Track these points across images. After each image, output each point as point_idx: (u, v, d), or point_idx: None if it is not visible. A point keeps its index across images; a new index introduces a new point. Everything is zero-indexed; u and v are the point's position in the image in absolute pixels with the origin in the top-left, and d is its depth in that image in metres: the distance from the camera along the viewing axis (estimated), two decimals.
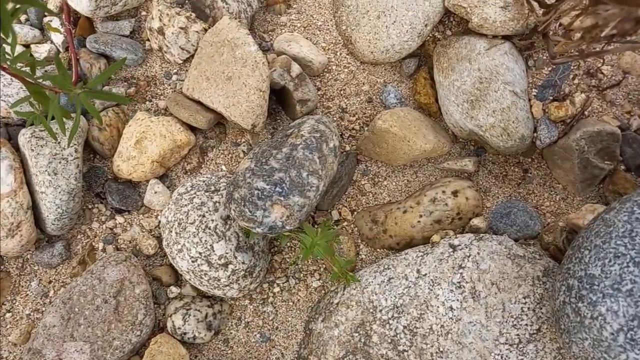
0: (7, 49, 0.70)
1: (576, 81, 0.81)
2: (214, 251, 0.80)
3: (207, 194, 0.84)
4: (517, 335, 0.70)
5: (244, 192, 0.76)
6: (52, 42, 0.94)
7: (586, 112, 0.80)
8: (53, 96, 0.70)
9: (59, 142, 0.83)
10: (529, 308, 0.71)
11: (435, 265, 0.77)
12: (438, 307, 0.74)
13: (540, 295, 0.72)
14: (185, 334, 0.82)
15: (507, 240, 0.77)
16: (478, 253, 0.75)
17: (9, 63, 0.68)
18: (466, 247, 0.77)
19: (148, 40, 0.95)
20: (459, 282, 0.74)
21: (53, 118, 0.87)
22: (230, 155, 0.93)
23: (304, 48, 0.93)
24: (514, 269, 0.74)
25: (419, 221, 0.84)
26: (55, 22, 0.93)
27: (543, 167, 0.87)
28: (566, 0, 0.68)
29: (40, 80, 0.72)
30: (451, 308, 0.74)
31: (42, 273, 0.87)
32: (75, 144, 0.84)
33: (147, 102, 0.93)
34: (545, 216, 0.84)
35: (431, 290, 0.75)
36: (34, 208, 0.84)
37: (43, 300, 0.86)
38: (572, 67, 0.81)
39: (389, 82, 0.96)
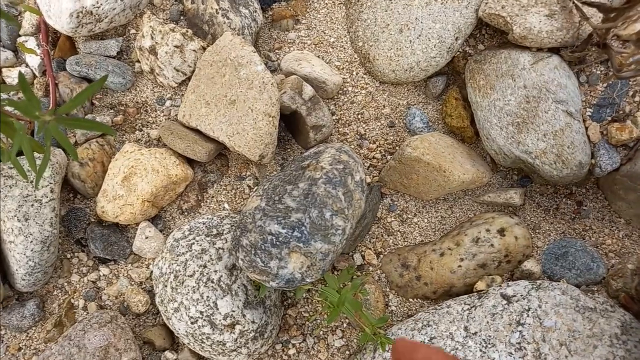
0: None
1: (637, 98, 0.70)
2: (217, 309, 0.66)
3: (208, 238, 0.70)
4: None
5: (255, 238, 0.63)
6: (27, 65, 0.82)
7: None
8: (20, 126, 0.57)
9: (31, 182, 0.70)
10: None
11: (488, 322, 0.63)
12: None
13: (622, 358, 0.58)
14: None
15: (572, 288, 0.64)
16: (539, 306, 0.62)
17: None
18: (523, 299, 0.64)
19: (138, 61, 0.83)
20: (519, 343, 0.61)
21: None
22: (233, 191, 0.80)
23: (316, 67, 0.82)
24: (585, 325, 0.60)
25: (459, 265, 0.71)
26: (31, 43, 0.81)
27: (600, 198, 0.75)
28: (636, 4, 0.57)
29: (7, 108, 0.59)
30: None
31: (10, 338, 0.72)
32: (50, 183, 0.71)
33: (137, 132, 0.81)
34: (607, 257, 0.72)
35: (484, 353, 0.62)
36: (1, 261, 0.70)
37: None
38: (630, 83, 0.70)
39: (413, 104, 0.84)
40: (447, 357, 0.32)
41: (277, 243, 0.61)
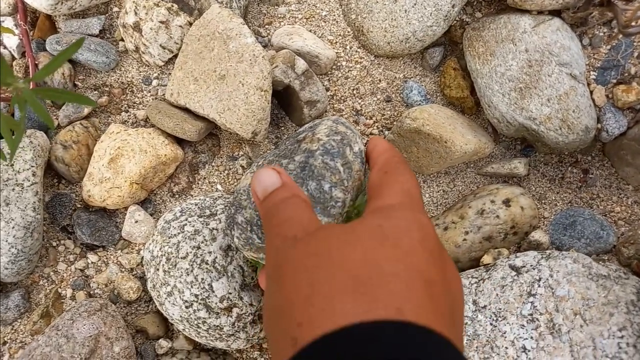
0: None
1: None
2: (213, 292, 0.62)
3: (201, 219, 0.67)
4: None
5: (251, 214, 0.59)
6: (4, 46, 0.78)
7: None
8: None
9: (12, 165, 0.66)
10: (627, 344, 0.55)
11: (497, 294, 0.60)
12: (507, 348, 0.58)
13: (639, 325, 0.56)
14: None
15: (583, 257, 0.62)
16: (551, 275, 0.60)
17: None
18: (533, 269, 0.61)
19: (122, 40, 0.79)
20: (531, 315, 0.58)
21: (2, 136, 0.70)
22: (226, 171, 0.77)
23: (308, 41, 0.79)
24: (599, 293, 0.58)
25: (464, 239, 0.68)
26: (9, 23, 0.77)
27: (606, 165, 0.72)
28: None
29: None
30: (524, 349, 0.57)
31: None
32: (32, 166, 0.67)
33: (123, 113, 0.77)
34: (617, 224, 0.69)
35: (495, 326, 0.59)
36: None
37: None
38: (635, 44, 0.68)
39: (410, 77, 0.81)
40: (390, 158, 0.38)
41: None
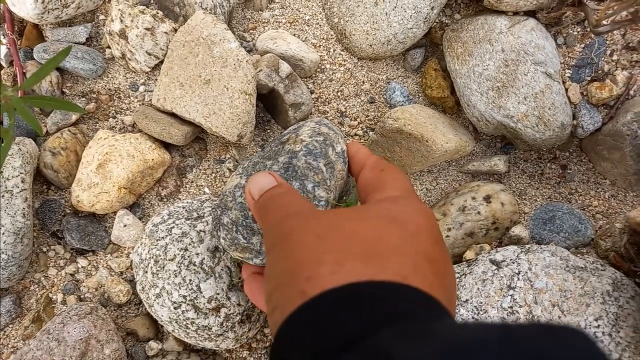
0: None
1: (615, 57, 0.70)
2: (201, 292, 0.64)
3: (188, 222, 0.68)
4: None
5: (236, 215, 0.60)
6: None
7: (632, 92, 0.68)
8: None
9: (1, 171, 0.67)
10: (603, 333, 0.57)
11: (478, 289, 0.62)
12: None
13: (615, 315, 0.58)
14: None
15: (561, 250, 0.64)
16: (529, 269, 0.61)
17: None
18: (513, 263, 0.63)
19: (108, 47, 0.80)
20: (511, 307, 0.60)
21: None
22: (213, 175, 0.78)
23: (292, 45, 0.80)
24: (576, 284, 0.60)
25: (447, 236, 0.69)
26: None
27: (584, 161, 0.74)
28: None
29: None
30: None
31: None
32: (21, 173, 0.68)
33: (111, 119, 0.78)
34: (595, 218, 0.71)
35: (476, 320, 0.61)
36: None
37: None
38: (607, 42, 0.70)
39: (393, 79, 0.83)
40: (380, 159, 0.41)
41: None
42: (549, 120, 0.68)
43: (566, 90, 0.70)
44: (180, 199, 0.77)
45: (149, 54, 0.78)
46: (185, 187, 0.77)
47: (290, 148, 0.66)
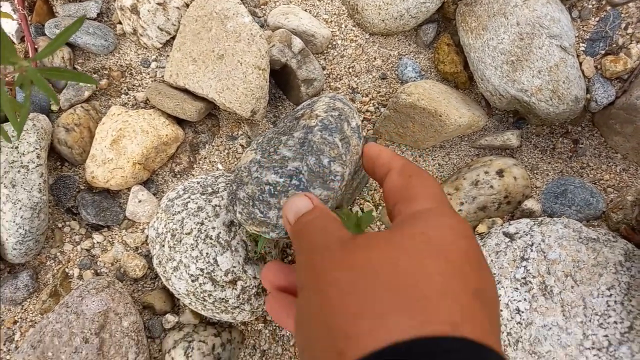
0: None
1: (630, 30, 0.69)
2: (218, 266, 0.64)
3: (203, 196, 0.68)
4: (606, 336, 0.57)
5: (252, 189, 0.61)
6: None
7: None
8: None
9: (16, 147, 0.67)
10: (615, 301, 0.58)
11: (492, 260, 0.63)
12: (501, 310, 0.60)
13: (627, 284, 0.58)
14: None
15: (573, 222, 0.64)
16: (543, 240, 0.62)
17: None
18: (526, 235, 0.63)
19: (119, 23, 0.80)
20: (524, 278, 0.61)
21: (5, 119, 0.71)
22: (226, 151, 0.78)
23: (304, 20, 0.80)
24: (589, 255, 0.60)
25: (460, 210, 0.70)
26: (6, 8, 0.78)
27: (596, 135, 0.75)
28: None
29: None
30: (518, 310, 0.60)
31: (4, 312, 0.70)
32: (36, 149, 0.68)
33: (123, 96, 0.78)
34: (606, 192, 0.72)
35: None
36: None
37: (7, 346, 0.69)
38: (622, 15, 0.70)
39: (405, 54, 0.83)
40: (407, 162, 0.36)
41: (275, 192, 0.60)
42: (563, 94, 0.68)
43: (580, 64, 0.70)
44: (193, 175, 0.77)
45: (161, 30, 0.78)
46: (199, 163, 0.78)
47: (305, 123, 0.66)
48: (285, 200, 0.43)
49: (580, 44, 0.70)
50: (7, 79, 0.68)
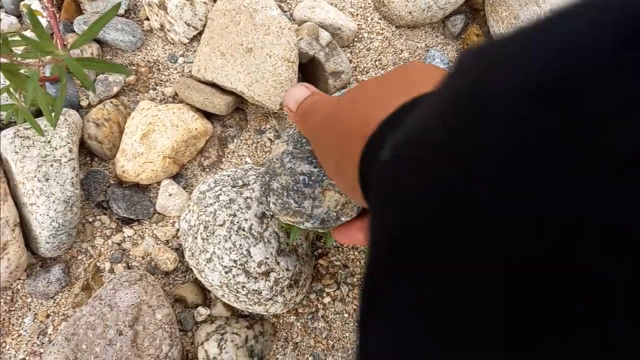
0: None
1: None
2: (251, 257, 0.64)
3: (234, 189, 0.68)
4: None
5: (286, 180, 0.60)
6: (32, 29, 0.79)
7: None
8: (32, 72, 0.55)
9: (49, 141, 0.68)
10: None
11: None
12: None
13: None
14: None
15: None
16: None
17: None
18: None
19: (147, 19, 0.80)
20: None
21: (38, 114, 0.72)
22: (254, 145, 0.78)
23: (330, 13, 0.80)
24: None
25: None
26: (35, 6, 0.79)
27: None
28: None
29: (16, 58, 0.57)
30: None
31: (37, 306, 0.70)
32: (68, 143, 0.69)
33: (151, 91, 0.79)
34: None
35: None
36: (22, 226, 0.68)
37: (41, 339, 0.69)
38: None
39: (432, 46, 0.82)
40: (323, 96, 0.42)
41: (310, 182, 0.59)
42: None
43: None
44: (222, 168, 0.77)
45: (188, 25, 0.78)
46: (227, 157, 0.77)
47: None
48: (285, 92, 0.50)
49: None
50: (42, 76, 0.68)
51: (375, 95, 0.31)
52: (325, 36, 0.77)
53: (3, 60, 0.57)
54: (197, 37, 0.80)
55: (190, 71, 0.79)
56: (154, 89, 0.79)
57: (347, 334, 0.70)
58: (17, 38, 0.56)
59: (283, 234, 0.67)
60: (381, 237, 0.18)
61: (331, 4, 0.83)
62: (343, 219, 0.60)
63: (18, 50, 0.69)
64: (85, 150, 0.76)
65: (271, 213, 0.65)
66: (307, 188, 0.59)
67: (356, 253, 0.74)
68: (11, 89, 0.64)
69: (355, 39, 0.83)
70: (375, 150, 0.26)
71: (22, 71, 0.59)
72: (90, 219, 0.74)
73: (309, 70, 0.80)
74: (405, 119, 0.22)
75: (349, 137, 0.29)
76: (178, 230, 0.73)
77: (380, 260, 0.17)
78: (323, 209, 0.58)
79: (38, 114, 0.72)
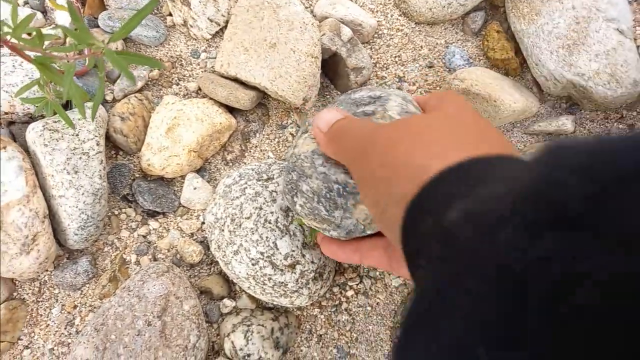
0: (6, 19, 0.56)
1: None
2: (277, 249, 0.65)
3: (259, 182, 0.69)
4: None
5: (318, 185, 0.58)
6: (57, 25, 0.80)
7: None
8: (68, 66, 0.56)
9: (77, 134, 0.69)
10: None
11: None
12: None
13: None
14: (249, 355, 0.66)
15: None
16: None
17: (9, 36, 0.54)
18: None
19: (170, 14, 0.81)
20: None
21: (67, 106, 0.73)
22: (276, 139, 0.79)
23: (351, 10, 0.80)
24: None
25: None
26: (61, 0, 0.79)
27: None
28: None
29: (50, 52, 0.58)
30: None
31: (64, 297, 0.72)
32: (96, 136, 0.70)
33: (174, 86, 0.80)
34: None
35: None
36: (50, 218, 0.69)
37: (68, 330, 0.70)
38: None
39: (452, 43, 0.83)
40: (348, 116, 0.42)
41: (344, 193, 0.56)
42: (621, 77, 0.68)
43: (637, 47, 0.69)
44: (245, 163, 0.78)
45: (211, 21, 0.79)
46: (250, 151, 0.78)
47: (378, 122, 0.64)
48: (314, 117, 0.50)
49: (637, 28, 0.70)
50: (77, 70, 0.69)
51: (424, 139, 0.30)
52: (346, 32, 0.78)
53: (37, 54, 0.58)
54: (219, 33, 0.81)
55: (212, 66, 0.80)
56: (177, 84, 0.80)
57: (370, 327, 0.71)
58: (51, 32, 0.57)
59: (301, 231, 0.68)
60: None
61: (352, 0, 0.84)
62: (369, 232, 0.58)
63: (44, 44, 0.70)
64: (110, 144, 0.77)
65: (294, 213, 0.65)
66: (341, 198, 0.56)
67: None
68: (41, 82, 0.65)
69: (375, 35, 0.83)
70: (433, 201, 0.25)
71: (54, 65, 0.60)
72: (116, 212, 0.75)
73: (330, 65, 0.80)
74: (476, 184, 0.23)
75: (396, 178, 0.29)
76: (203, 223, 0.74)
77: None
78: (352, 221, 0.56)
79: (65, 107, 0.73)
